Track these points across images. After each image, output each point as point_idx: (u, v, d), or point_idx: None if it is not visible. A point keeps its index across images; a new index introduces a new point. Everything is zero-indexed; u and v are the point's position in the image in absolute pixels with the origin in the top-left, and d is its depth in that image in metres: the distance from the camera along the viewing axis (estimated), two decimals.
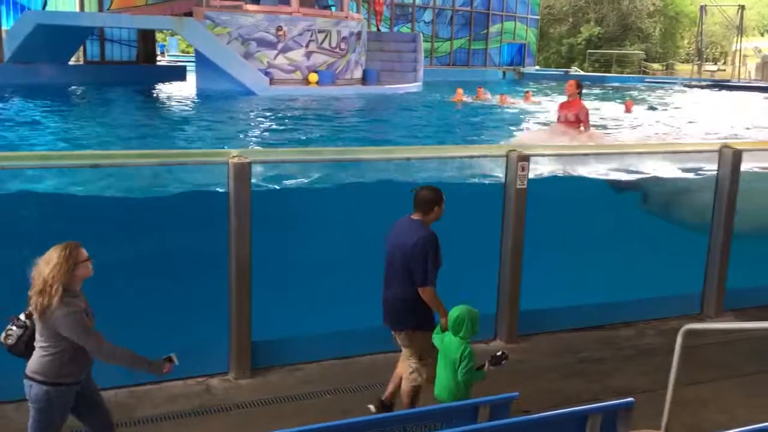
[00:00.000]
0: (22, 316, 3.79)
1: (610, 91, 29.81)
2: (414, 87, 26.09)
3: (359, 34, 25.72)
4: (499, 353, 4.55)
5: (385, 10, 33.36)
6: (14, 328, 3.77)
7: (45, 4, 26.06)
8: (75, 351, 3.68)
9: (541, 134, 12.91)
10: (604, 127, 15.80)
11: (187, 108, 19.58)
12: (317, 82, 23.22)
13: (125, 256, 5.98)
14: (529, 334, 6.67)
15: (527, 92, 23.55)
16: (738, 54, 42.61)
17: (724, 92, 32.08)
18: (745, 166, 7.42)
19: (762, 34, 56.17)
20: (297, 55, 23.19)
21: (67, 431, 3.96)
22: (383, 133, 15.40)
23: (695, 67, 43.33)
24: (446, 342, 4.53)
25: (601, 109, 20.40)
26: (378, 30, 31.91)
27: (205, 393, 5.43)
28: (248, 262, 5.55)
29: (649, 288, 7.39)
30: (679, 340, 4.63)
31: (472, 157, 7.70)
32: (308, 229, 7.05)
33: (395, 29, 35.20)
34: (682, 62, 54.01)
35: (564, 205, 7.48)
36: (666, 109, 22.46)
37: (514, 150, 6.40)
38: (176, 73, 27.77)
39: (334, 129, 15.44)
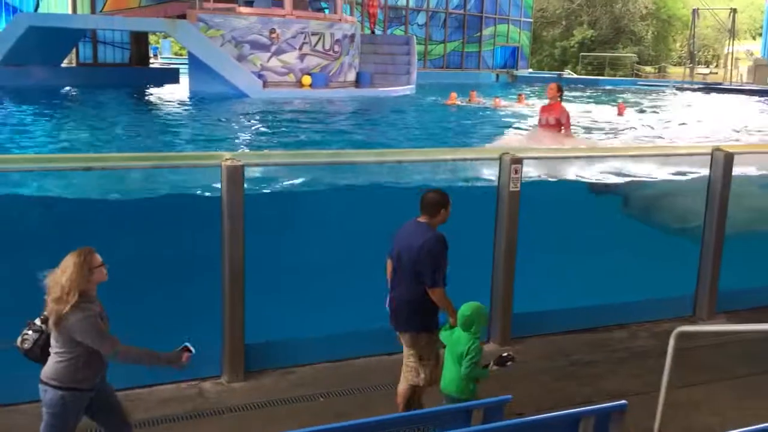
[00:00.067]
0: (37, 321, 3.77)
1: (603, 95, 29.93)
2: (407, 90, 26.13)
3: (353, 36, 25.72)
4: (505, 354, 4.54)
5: (378, 12, 33.39)
6: (30, 332, 3.75)
7: (37, 6, 25.99)
8: (90, 356, 3.68)
9: (522, 138, 12.94)
10: (600, 130, 15.85)
11: (180, 111, 19.54)
12: (311, 85, 23.20)
13: (116, 259, 5.94)
14: (522, 336, 6.67)
15: (520, 95, 23.64)
16: (730, 57, 42.77)
17: (715, 95, 32.26)
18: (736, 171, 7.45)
19: (754, 38, 56.43)
20: (290, 57, 23.18)
21: None
22: (376, 135, 15.41)
23: (687, 70, 43.49)
24: (455, 337, 4.52)
25: (593, 112, 20.49)
26: (372, 33, 31.96)
27: (198, 396, 5.40)
28: (242, 265, 5.53)
29: (642, 290, 7.40)
30: (671, 342, 4.65)
31: (464, 159, 7.69)
32: (302, 232, 7.03)
33: (389, 32, 35.26)
34: (675, 65, 54.24)
35: (555, 207, 7.48)
36: (658, 112, 22.56)
37: (508, 153, 6.41)
38: (169, 76, 27.76)
39: (327, 132, 15.44)
